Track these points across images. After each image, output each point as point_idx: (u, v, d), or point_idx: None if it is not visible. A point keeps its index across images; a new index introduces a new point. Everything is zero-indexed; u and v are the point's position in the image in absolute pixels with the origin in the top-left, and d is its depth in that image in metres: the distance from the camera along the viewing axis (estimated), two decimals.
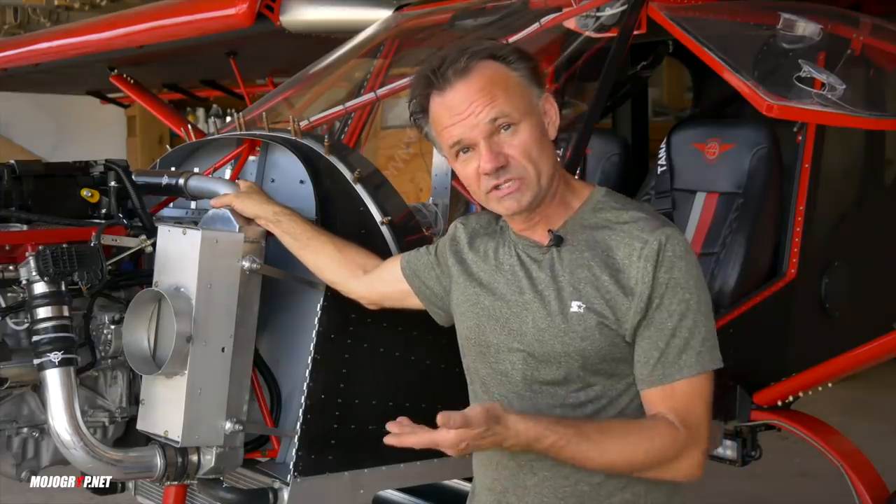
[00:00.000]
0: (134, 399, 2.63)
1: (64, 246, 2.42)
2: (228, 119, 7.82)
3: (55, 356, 2.39)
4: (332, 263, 2.56)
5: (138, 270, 2.67)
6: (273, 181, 3.00)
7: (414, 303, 2.46)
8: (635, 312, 2.06)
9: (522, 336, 2.14)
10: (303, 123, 3.22)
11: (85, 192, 2.68)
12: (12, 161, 2.64)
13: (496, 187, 2.10)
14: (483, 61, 2.10)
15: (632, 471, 2.08)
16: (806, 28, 3.17)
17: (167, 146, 3.42)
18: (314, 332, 2.65)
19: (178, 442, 2.47)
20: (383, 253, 2.65)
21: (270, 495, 2.63)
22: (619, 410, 2.12)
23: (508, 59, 2.11)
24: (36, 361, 2.40)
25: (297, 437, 2.63)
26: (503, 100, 2.07)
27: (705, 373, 2.08)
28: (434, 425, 1.92)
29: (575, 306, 2.08)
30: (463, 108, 2.08)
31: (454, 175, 3.27)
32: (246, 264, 2.54)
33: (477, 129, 2.07)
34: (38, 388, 2.49)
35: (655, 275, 2.05)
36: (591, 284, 2.09)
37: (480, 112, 2.07)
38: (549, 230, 2.16)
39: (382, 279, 2.51)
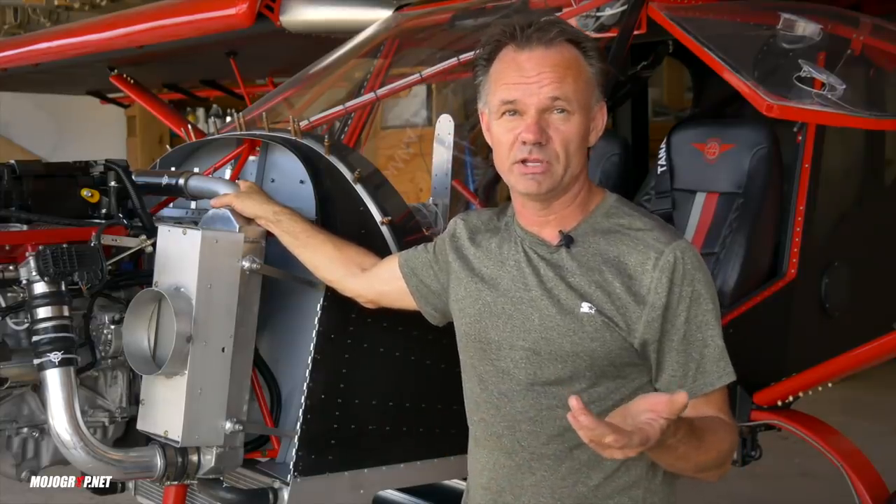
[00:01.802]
0: (134, 399, 2.63)
1: (64, 246, 2.43)
2: (228, 119, 7.82)
3: (55, 356, 2.39)
4: (329, 262, 2.56)
5: (138, 270, 2.67)
6: (273, 181, 3.00)
7: (410, 303, 2.46)
8: (646, 322, 2.06)
9: (527, 333, 2.13)
10: (303, 123, 3.23)
11: (85, 192, 2.68)
12: (12, 161, 2.64)
13: (524, 162, 2.09)
14: (568, 43, 2.11)
15: (713, 466, 2.06)
16: (806, 28, 3.17)
17: (167, 146, 3.42)
18: (314, 332, 2.65)
19: (178, 442, 2.47)
20: (383, 253, 2.64)
21: (270, 495, 2.63)
22: None
23: (589, 53, 2.12)
24: (36, 361, 2.40)
25: (297, 437, 2.63)
26: (571, 85, 2.08)
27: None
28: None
29: (585, 307, 2.08)
30: (533, 73, 2.08)
31: (454, 175, 3.27)
32: (246, 264, 2.54)
33: (535, 98, 2.07)
34: (38, 388, 2.49)
35: (672, 288, 2.05)
36: (602, 288, 2.08)
37: (546, 85, 2.07)
38: (560, 230, 2.16)
39: (380, 277, 2.51)
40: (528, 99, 2.07)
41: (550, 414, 2.12)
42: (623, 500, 2.13)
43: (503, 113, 2.11)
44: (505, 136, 2.11)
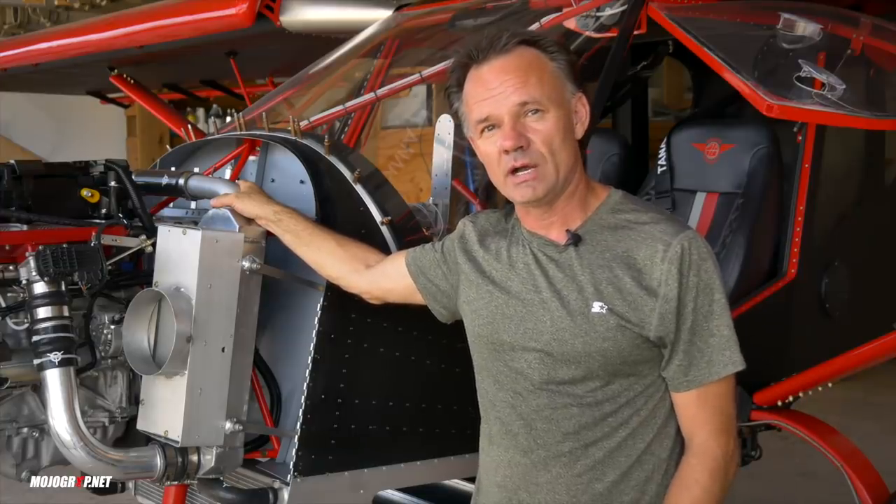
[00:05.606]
0: (134, 399, 2.63)
1: (64, 246, 2.42)
2: (228, 119, 7.81)
3: (55, 356, 2.39)
4: (333, 259, 2.56)
5: (138, 270, 2.66)
6: (273, 181, 3.00)
7: (417, 300, 2.47)
8: (660, 314, 2.07)
9: (539, 335, 2.14)
10: (303, 123, 3.23)
11: (85, 192, 2.68)
12: (12, 161, 2.64)
13: (514, 172, 2.11)
14: (524, 46, 2.13)
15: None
16: (806, 28, 3.17)
17: (167, 146, 3.42)
18: (314, 332, 2.65)
19: (178, 442, 2.47)
20: (384, 253, 2.64)
21: (270, 495, 2.63)
22: (635, 410, 2.13)
23: (549, 49, 2.14)
24: (36, 361, 2.40)
25: (297, 437, 2.63)
26: (535, 85, 2.09)
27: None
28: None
29: (597, 307, 2.09)
30: (496, 84, 2.10)
31: (454, 175, 3.27)
32: (246, 264, 2.54)
33: (504, 107, 2.10)
34: (38, 388, 2.49)
35: (682, 279, 2.06)
36: (613, 285, 2.09)
37: (512, 93, 2.09)
38: (567, 230, 2.16)
39: (386, 275, 2.51)
40: (499, 110, 2.10)
41: (566, 412, 2.13)
42: (637, 496, 2.15)
43: (482, 131, 2.14)
44: (490, 151, 2.14)
